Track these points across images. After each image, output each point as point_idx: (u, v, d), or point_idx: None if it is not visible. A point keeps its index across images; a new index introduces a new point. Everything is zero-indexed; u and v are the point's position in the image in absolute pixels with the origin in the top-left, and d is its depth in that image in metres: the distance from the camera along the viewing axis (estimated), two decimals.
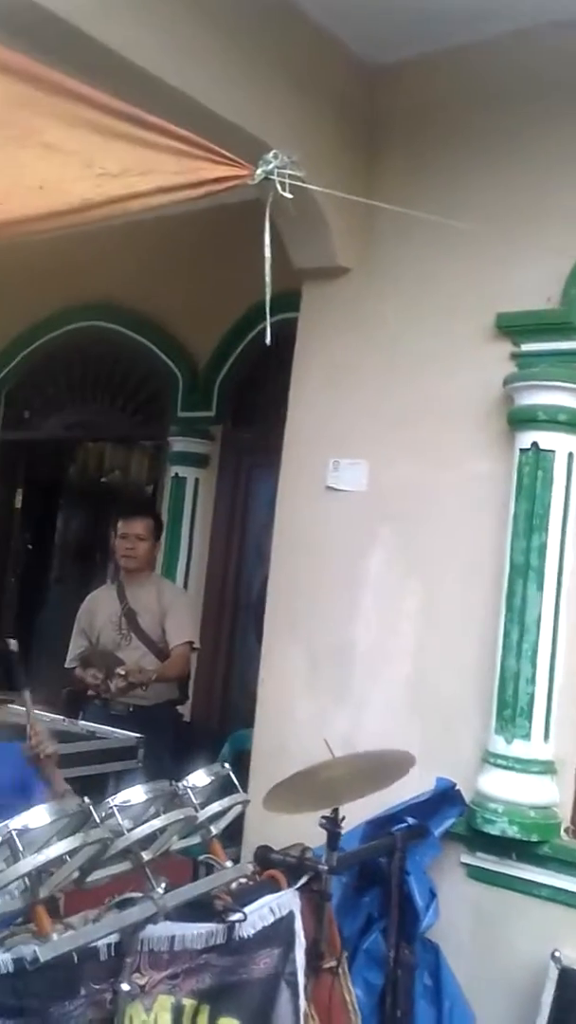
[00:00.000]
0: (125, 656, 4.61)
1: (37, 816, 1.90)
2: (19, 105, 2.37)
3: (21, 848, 1.84)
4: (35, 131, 2.39)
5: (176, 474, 5.83)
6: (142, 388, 6.28)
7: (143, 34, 3.15)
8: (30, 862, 1.84)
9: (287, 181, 2.49)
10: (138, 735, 4.15)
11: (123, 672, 4.37)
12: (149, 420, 6.27)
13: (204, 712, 5.45)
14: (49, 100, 2.40)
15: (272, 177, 2.49)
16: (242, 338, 5.63)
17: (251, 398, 5.72)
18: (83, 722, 4.40)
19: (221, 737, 4.82)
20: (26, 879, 1.89)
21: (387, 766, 2.63)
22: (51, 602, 7.56)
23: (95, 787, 3.57)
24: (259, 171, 2.49)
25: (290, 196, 2.46)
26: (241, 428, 5.72)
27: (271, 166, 2.50)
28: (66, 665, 4.88)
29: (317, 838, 2.71)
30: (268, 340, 2.65)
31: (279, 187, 2.48)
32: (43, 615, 7.33)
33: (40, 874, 1.92)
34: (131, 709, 4.46)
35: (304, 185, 2.56)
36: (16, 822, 1.85)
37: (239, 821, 2.57)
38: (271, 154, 2.50)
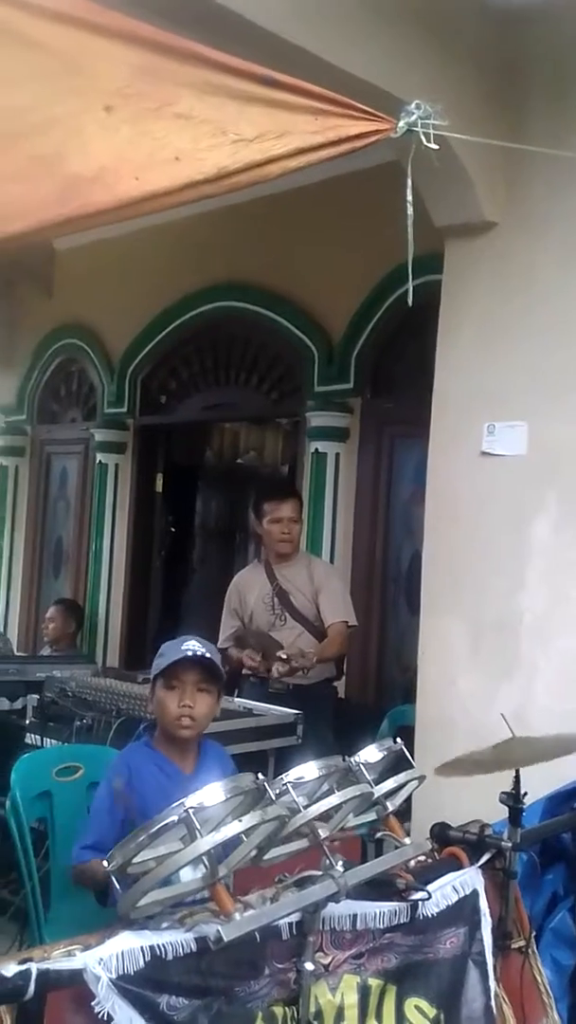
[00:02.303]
0: (280, 637, 4.57)
1: (212, 794, 1.86)
2: (150, 76, 2.34)
3: (199, 826, 1.81)
4: (167, 101, 2.35)
5: (316, 449, 5.77)
6: (276, 365, 6.25)
7: None
8: (208, 840, 1.80)
9: (431, 132, 2.39)
10: (296, 711, 4.12)
11: (285, 656, 4.33)
12: (285, 397, 6.23)
13: (359, 688, 5.40)
14: (179, 69, 2.36)
15: (415, 128, 2.40)
16: (377, 307, 5.52)
17: (389, 367, 5.62)
18: (239, 699, 4.39)
19: (378, 713, 4.76)
20: (205, 858, 1.87)
21: (567, 744, 2.51)
22: (195, 583, 7.65)
23: (255, 764, 3.56)
24: (402, 123, 2.40)
25: (435, 147, 2.37)
26: (381, 398, 5.62)
27: (414, 117, 2.41)
28: (219, 646, 4.87)
29: (491, 815, 2.62)
30: (410, 301, 2.57)
31: (423, 138, 2.38)
32: (188, 596, 7.43)
33: (218, 853, 1.89)
34: (289, 688, 4.43)
35: (449, 135, 2.45)
36: (192, 800, 1.82)
37: (407, 798, 2.50)
38: (413, 104, 2.41)
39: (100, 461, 7.03)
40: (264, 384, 6.34)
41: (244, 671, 4.64)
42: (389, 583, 5.52)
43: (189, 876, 2.04)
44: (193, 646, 2.74)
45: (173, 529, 7.50)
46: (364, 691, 5.43)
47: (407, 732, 3.81)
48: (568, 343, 3.61)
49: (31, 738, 3.92)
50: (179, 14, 2.87)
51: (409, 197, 2.43)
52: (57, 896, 2.96)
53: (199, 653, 2.71)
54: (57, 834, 3.06)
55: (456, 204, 3.76)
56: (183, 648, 2.73)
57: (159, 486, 7.12)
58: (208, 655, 2.74)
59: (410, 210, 2.43)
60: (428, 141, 2.38)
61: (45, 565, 7.58)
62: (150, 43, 2.33)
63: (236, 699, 4.40)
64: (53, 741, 3.78)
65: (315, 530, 5.62)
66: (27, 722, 4.04)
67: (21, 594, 7.62)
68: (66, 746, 3.60)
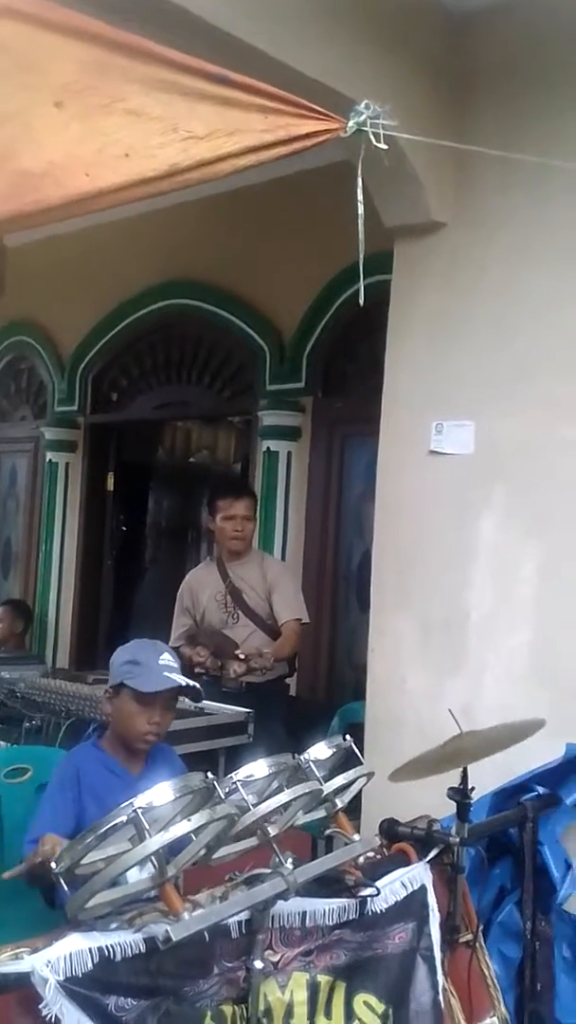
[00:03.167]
0: (233, 635, 4.57)
1: (161, 793, 1.86)
2: (100, 72, 2.32)
3: (147, 826, 1.81)
4: (118, 98, 2.34)
5: (268, 448, 5.78)
6: (228, 364, 6.25)
7: None
8: (157, 840, 1.80)
9: (380, 132, 2.40)
10: (247, 710, 4.12)
11: (243, 656, 4.32)
12: (237, 396, 6.24)
13: (310, 686, 5.41)
14: (130, 65, 2.34)
15: (365, 128, 2.40)
16: (329, 306, 5.54)
17: (341, 366, 5.64)
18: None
19: (329, 710, 4.78)
20: (153, 858, 1.86)
21: (516, 732, 2.54)
22: (147, 582, 7.62)
23: (206, 763, 3.56)
24: (351, 123, 2.40)
25: (384, 147, 2.37)
26: (332, 397, 5.64)
27: (363, 117, 2.41)
28: (171, 644, 4.86)
29: (439, 810, 2.64)
30: (361, 301, 2.58)
31: (373, 138, 2.39)
32: (140, 595, 7.40)
33: (167, 852, 1.89)
34: (243, 686, 4.42)
35: (398, 135, 2.46)
36: (141, 800, 1.82)
37: (356, 794, 2.52)
38: (363, 104, 2.41)
39: (50, 460, 6.99)
40: (216, 382, 6.34)
41: (196, 670, 4.62)
42: (340, 581, 5.54)
43: (137, 876, 2.03)
44: (169, 662, 2.70)
45: (124, 528, 7.47)
46: (315, 688, 5.45)
47: (357, 729, 3.83)
48: (515, 343, 3.64)
49: None
50: (129, 10, 2.85)
51: (360, 197, 2.44)
52: (5, 898, 2.92)
53: (184, 683, 2.68)
54: (5, 836, 3.03)
55: (405, 204, 3.78)
56: (161, 663, 2.68)
57: (110, 485, 7.09)
58: (188, 683, 2.71)
59: (360, 209, 2.44)
60: (378, 141, 2.38)
61: None
62: (100, 39, 2.32)
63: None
64: (1, 743, 3.75)
65: (267, 528, 5.63)
66: None
67: None
68: (15, 747, 3.57)
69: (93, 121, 2.30)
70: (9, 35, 2.25)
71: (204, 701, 4.20)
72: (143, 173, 2.35)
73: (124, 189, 2.37)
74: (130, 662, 2.71)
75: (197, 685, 2.77)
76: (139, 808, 1.80)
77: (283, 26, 3.24)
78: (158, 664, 2.67)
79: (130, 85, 2.33)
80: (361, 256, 2.45)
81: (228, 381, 6.28)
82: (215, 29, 3.09)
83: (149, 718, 2.66)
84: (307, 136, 2.44)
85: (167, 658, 2.71)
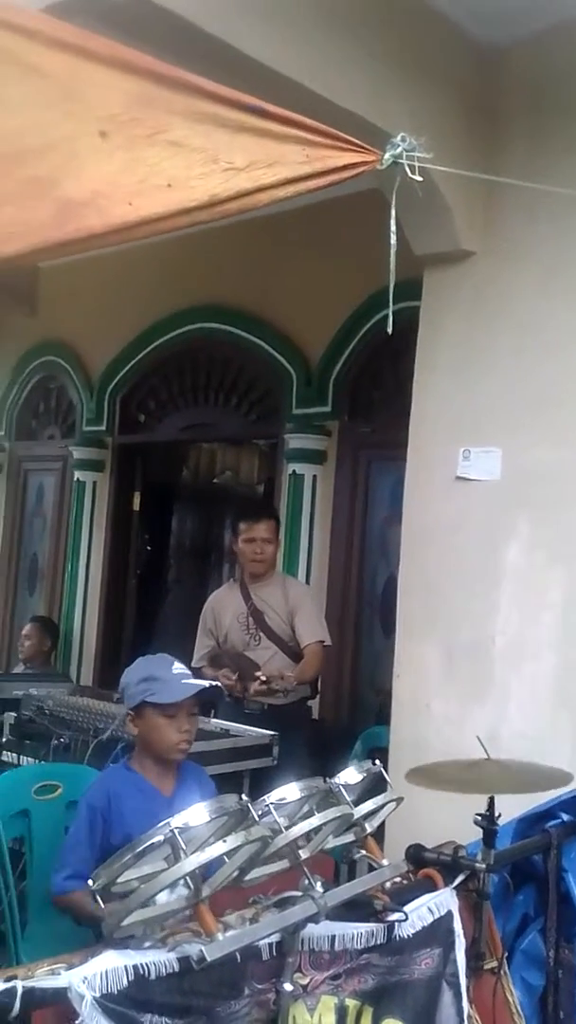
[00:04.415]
0: (255, 656, 4.59)
1: (197, 814, 1.88)
2: (144, 104, 2.38)
3: (184, 846, 1.83)
4: (161, 129, 2.38)
5: (293, 471, 5.82)
6: (255, 387, 6.30)
7: (258, 27, 3.15)
8: (194, 860, 1.82)
9: (416, 164, 2.44)
10: (272, 732, 4.13)
11: (264, 678, 4.35)
12: (263, 418, 6.28)
13: (333, 709, 5.42)
14: (172, 97, 2.40)
15: (401, 161, 2.45)
16: (356, 332, 5.59)
17: (367, 391, 5.68)
18: (216, 720, 4.40)
19: (352, 734, 4.79)
20: (188, 878, 1.88)
21: (541, 777, 2.55)
22: (170, 602, 7.65)
23: (230, 784, 3.58)
24: (387, 155, 2.45)
25: (419, 179, 2.42)
26: (358, 422, 5.68)
27: (399, 149, 2.46)
28: (193, 664, 4.89)
29: (462, 835, 2.65)
30: (390, 329, 2.61)
31: (408, 170, 2.43)
32: (163, 615, 7.43)
33: (201, 873, 1.91)
34: (265, 707, 4.45)
35: (433, 167, 2.50)
36: (177, 820, 1.84)
37: None
38: (399, 137, 2.46)
39: (78, 479, 7.04)
40: (242, 405, 6.39)
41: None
42: (364, 605, 5.56)
43: (167, 897, 2.05)
44: (183, 670, 2.74)
45: (149, 547, 7.51)
46: (338, 712, 5.46)
47: (380, 753, 3.83)
48: (542, 370, 3.68)
49: (7, 756, 3.91)
50: (171, 43, 2.92)
51: (393, 227, 2.48)
52: (34, 915, 2.96)
53: (205, 684, 2.72)
54: (35, 853, 3.06)
55: (435, 233, 3.83)
56: (175, 673, 2.72)
57: (136, 504, 7.14)
58: (208, 684, 2.75)
59: (393, 239, 2.47)
60: (412, 173, 2.43)
61: (20, 582, 7.56)
62: (144, 71, 2.37)
63: (213, 720, 4.41)
64: (30, 759, 3.78)
65: (291, 551, 5.66)
66: (3, 740, 4.03)
67: None
68: (45, 765, 3.60)
69: (137, 151, 2.35)
70: (56, 66, 2.31)
71: (229, 723, 4.26)
72: (184, 203, 2.40)
73: (165, 219, 2.41)
74: (145, 680, 2.74)
75: (217, 683, 2.81)
76: (175, 828, 1.82)
77: (318, 58, 3.30)
78: (173, 674, 2.72)
79: (173, 117, 2.38)
80: (392, 283, 2.49)
81: (254, 404, 6.33)
82: (253, 61, 3.16)
83: (179, 727, 2.69)
84: (344, 168, 2.48)
85: (179, 667, 2.75)
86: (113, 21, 2.83)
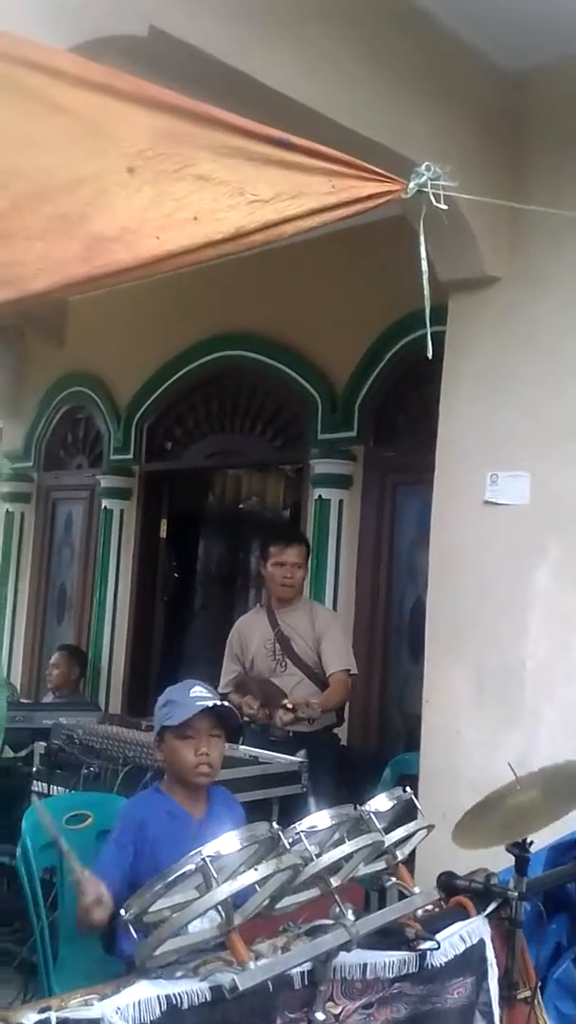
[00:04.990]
0: (280, 683, 4.59)
1: (228, 843, 1.89)
2: (171, 139, 2.41)
3: (215, 875, 1.83)
4: (188, 163, 2.42)
5: (319, 496, 5.83)
6: (280, 413, 6.32)
7: (280, 59, 3.19)
8: (225, 889, 1.83)
9: (441, 192, 2.46)
10: (301, 760, 4.12)
11: (290, 706, 4.34)
12: (288, 444, 6.30)
13: (361, 736, 5.40)
14: (198, 132, 2.43)
15: (426, 190, 2.47)
16: (381, 357, 5.61)
17: (392, 416, 5.69)
18: (243, 747, 4.40)
19: (380, 761, 4.77)
20: (219, 907, 1.89)
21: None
22: (197, 628, 7.66)
23: (260, 812, 3.57)
24: (412, 184, 2.47)
25: (445, 207, 2.44)
26: (384, 446, 5.68)
27: (424, 178, 2.48)
28: (219, 690, 4.88)
29: (493, 862, 2.63)
30: (429, 354, 2.61)
31: (433, 199, 2.46)
32: (190, 641, 7.44)
33: (233, 901, 1.91)
34: (290, 735, 4.44)
35: (458, 195, 2.52)
36: (208, 849, 1.85)
37: None
38: (423, 166, 2.49)
39: (105, 507, 7.08)
40: (268, 431, 6.42)
41: (244, 718, 4.64)
42: (391, 630, 5.54)
43: (199, 925, 2.05)
44: (201, 692, 2.76)
45: (176, 574, 7.53)
46: (366, 739, 5.43)
47: (409, 780, 3.81)
48: (569, 394, 3.68)
49: (38, 786, 3.92)
50: (194, 77, 2.97)
51: (423, 254, 2.50)
52: (65, 945, 2.95)
53: (214, 703, 2.73)
54: (66, 883, 3.05)
55: (460, 259, 3.85)
56: (191, 696, 2.74)
57: (163, 531, 7.17)
58: (223, 703, 2.77)
59: (424, 266, 2.49)
60: (438, 201, 2.45)
61: (49, 610, 7.60)
62: (169, 107, 2.41)
63: (241, 747, 4.40)
64: (60, 789, 3.79)
65: (318, 576, 5.66)
66: (34, 769, 4.04)
67: (24, 639, 7.62)
68: (76, 794, 3.60)
69: (164, 186, 2.38)
70: (82, 104, 2.35)
71: (257, 750, 4.26)
72: (210, 236, 2.43)
73: (191, 252, 2.45)
74: (165, 705, 2.79)
75: (227, 704, 2.82)
76: (207, 857, 1.83)
77: (341, 89, 3.34)
78: (189, 697, 2.73)
79: (199, 151, 2.42)
80: (428, 309, 2.48)
81: (280, 430, 6.35)
82: (275, 93, 3.20)
83: (196, 749, 2.70)
84: (369, 198, 2.51)
85: (198, 690, 2.76)
86: (137, 58, 2.88)
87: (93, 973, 2.49)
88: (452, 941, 2.35)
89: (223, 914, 1.90)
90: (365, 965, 2.17)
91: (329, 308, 5.81)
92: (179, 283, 5.93)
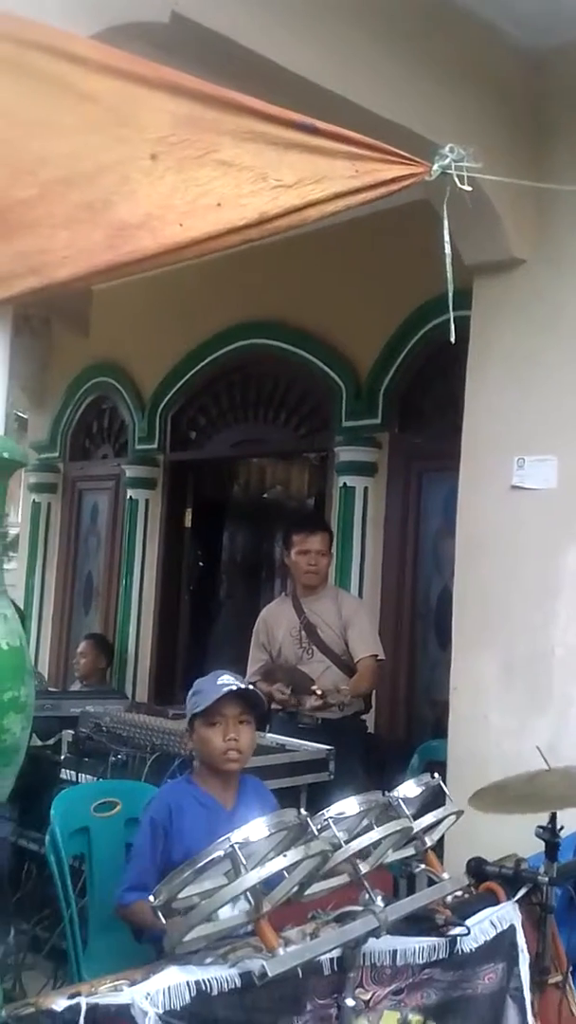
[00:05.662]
0: (308, 670, 4.59)
1: (256, 829, 1.89)
2: (193, 125, 2.40)
3: (244, 861, 1.83)
4: (211, 149, 2.41)
5: (344, 484, 5.81)
6: (304, 401, 6.31)
7: (301, 43, 3.17)
8: (254, 876, 1.83)
9: (465, 174, 2.44)
10: (329, 747, 4.12)
11: (320, 692, 4.35)
12: (313, 432, 6.29)
13: (388, 723, 5.39)
14: (221, 117, 2.42)
15: (450, 172, 2.45)
16: (405, 343, 5.58)
17: (417, 402, 5.66)
18: (271, 735, 4.40)
19: (408, 748, 4.75)
20: (248, 893, 1.89)
21: None
22: (223, 617, 7.67)
23: (288, 799, 3.57)
24: (436, 166, 2.45)
25: (469, 189, 2.41)
26: (409, 433, 5.66)
27: (447, 160, 2.45)
28: (247, 680, 4.88)
29: (523, 848, 2.62)
30: (452, 338, 2.59)
31: (457, 181, 2.43)
32: (216, 630, 7.45)
33: (262, 888, 1.91)
34: (319, 722, 4.44)
35: (483, 176, 2.50)
36: (237, 835, 1.85)
37: None
38: (447, 148, 2.46)
39: (131, 497, 7.10)
40: (292, 419, 6.40)
41: (273, 705, 4.64)
42: (418, 617, 5.53)
43: (228, 912, 2.06)
44: (227, 680, 2.77)
45: (201, 563, 7.54)
46: (394, 726, 5.43)
47: (437, 767, 3.80)
48: None
49: (66, 774, 3.94)
50: (215, 63, 2.96)
51: (446, 237, 2.47)
52: (95, 932, 2.97)
53: (239, 687, 2.74)
54: (95, 870, 3.08)
55: (485, 242, 3.82)
56: (219, 683, 2.75)
57: (188, 521, 7.18)
58: (247, 687, 2.78)
59: (447, 249, 2.46)
60: (462, 183, 2.42)
61: (76, 600, 7.63)
62: (192, 93, 2.40)
63: (268, 734, 4.41)
64: (88, 777, 3.80)
65: (343, 564, 5.64)
66: (62, 757, 4.05)
67: (52, 629, 7.66)
68: (104, 782, 3.61)
69: (187, 172, 2.37)
70: (105, 91, 2.35)
71: (284, 738, 4.26)
72: (234, 222, 2.42)
73: (215, 238, 2.44)
74: (193, 695, 2.82)
75: (251, 687, 2.83)
76: (236, 843, 1.83)
77: (363, 72, 3.32)
78: (215, 684, 2.75)
79: (222, 137, 2.41)
80: (451, 293, 2.46)
81: (304, 418, 6.34)
82: (298, 78, 3.18)
83: (224, 735, 2.71)
84: (392, 181, 2.48)
85: (225, 678, 2.78)
86: (158, 44, 2.87)
87: (122, 960, 2.49)
88: (482, 927, 2.34)
89: (252, 901, 1.90)
90: (395, 951, 2.17)
91: (352, 294, 5.79)
92: (202, 271, 5.93)
